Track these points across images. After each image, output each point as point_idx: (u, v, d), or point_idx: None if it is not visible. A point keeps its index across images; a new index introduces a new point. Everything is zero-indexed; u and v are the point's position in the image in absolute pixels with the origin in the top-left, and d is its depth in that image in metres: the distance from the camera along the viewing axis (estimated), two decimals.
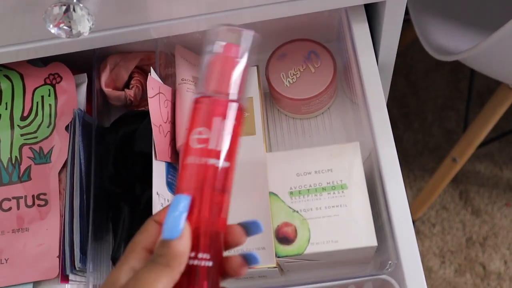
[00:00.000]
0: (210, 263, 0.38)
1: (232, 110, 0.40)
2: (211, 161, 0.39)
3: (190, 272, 0.37)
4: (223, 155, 0.39)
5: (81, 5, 0.47)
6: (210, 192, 0.39)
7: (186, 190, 0.38)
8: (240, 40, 0.41)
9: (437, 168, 1.21)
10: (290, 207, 0.52)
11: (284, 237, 0.51)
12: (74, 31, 0.48)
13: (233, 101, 0.40)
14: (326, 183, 0.53)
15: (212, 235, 0.39)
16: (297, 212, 0.52)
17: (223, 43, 0.40)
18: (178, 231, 0.36)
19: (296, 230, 0.51)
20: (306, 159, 0.54)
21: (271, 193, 0.53)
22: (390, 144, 0.53)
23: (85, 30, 0.48)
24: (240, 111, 0.40)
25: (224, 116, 0.39)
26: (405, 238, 0.50)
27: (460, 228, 1.28)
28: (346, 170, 0.53)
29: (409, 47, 1.35)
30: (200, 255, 0.38)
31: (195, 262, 0.37)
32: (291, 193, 0.53)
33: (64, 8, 0.46)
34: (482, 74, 0.85)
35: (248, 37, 0.41)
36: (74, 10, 0.46)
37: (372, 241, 0.50)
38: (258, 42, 0.42)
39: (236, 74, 0.40)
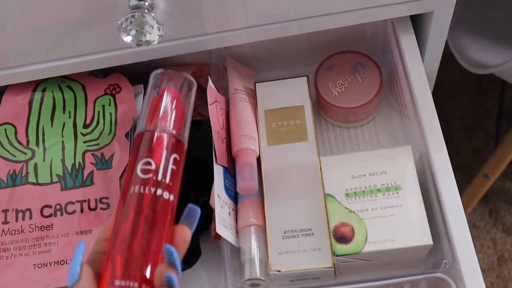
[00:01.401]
0: None
1: (176, 145, 0.42)
2: (159, 191, 0.40)
3: None
4: (170, 188, 0.41)
5: (152, 14, 0.50)
6: (155, 220, 0.40)
7: (124, 219, 0.39)
8: (181, 85, 0.46)
9: (467, 187, 1.22)
10: (346, 208, 0.54)
11: (341, 236, 0.53)
12: (144, 40, 0.51)
13: (177, 137, 0.43)
14: (380, 185, 0.55)
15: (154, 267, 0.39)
16: (354, 212, 0.54)
17: (168, 87, 0.45)
18: (76, 276, 0.37)
19: (353, 230, 0.53)
20: (360, 162, 0.56)
21: (328, 195, 0.55)
22: (442, 148, 0.55)
23: (155, 38, 0.51)
24: (183, 149, 0.43)
25: (170, 150, 0.42)
26: (461, 237, 0.52)
27: (491, 246, 1.28)
28: (400, 172, 0.55)
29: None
30: (143, 286, 0.38)
31: None
32: (347, 194, 0.55)
33: (136, 17, 0.49)
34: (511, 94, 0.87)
35: (189, 83, 0.46)
36: (146, 19, 0.50)
37: (428, 240, 0.52)
38: (195, 88, 0.46)
39: (180, 114, 0.44)
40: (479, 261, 0.50)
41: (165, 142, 0.42)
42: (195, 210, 0.41)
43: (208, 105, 0.58)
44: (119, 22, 0.49)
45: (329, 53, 0.67)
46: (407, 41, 0.61)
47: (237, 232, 0.59)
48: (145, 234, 0.39)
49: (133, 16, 0.49)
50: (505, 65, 0.77)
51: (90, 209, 0.59)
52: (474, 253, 0.51)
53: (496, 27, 0.85)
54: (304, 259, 0.56)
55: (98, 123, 0.63)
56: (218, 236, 0.56)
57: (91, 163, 0.61)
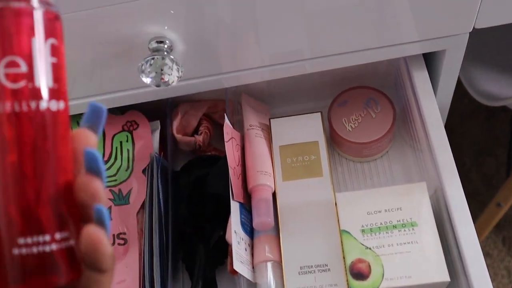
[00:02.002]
0: (71, 242, 0.29)
1: (49, 23, 0.28)
2: (43, 104, 0.28)
3: (45, 262, 0.28)
4: (57, 92, 0.28)
5: (171, 56, 0.51)
6: (49, 147, 0.28)
7: (15, 151, 0.27)
8: None
9: (479, 214, 1.21)
10: (362, 244, 0.55)
11: (358, 273, 0.53)
12: (163, 81, 0.52)
13: (48, 9, 0.28)
14: (396, 221, 0.55)
15: (67, 205, 0.29)
16: (370, 248, 0.54)
17: None
18: None
19: (370, 266, 0.53)
20: (376, 199, 0.57)
21: (344, 231, 0.56)
22: (457, 183, 0.56)
23: (174, 79, 0.52)
24: (60, 25, 0.29)
25: (43, 33, 0.28)
26: (478, 273, 0.52)
27: (505, 275, 1.27)
28: (415, 208, 0.56)
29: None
30: (57, 236, 0.28)
31: (53, 246, 0.28)
32: (363, 230, 0.55)
33: (156, 59, 0.51)
34: None
35: None
36: (165, 61, 0.51)
37: (445, 276, 0.52)
38: None
39: None
40: None
41: (33, 22, 0.28)
42: (100, 108, 0.30)
43: (225, 142, 0.59)
44: (139, 64, 0.51)
45: (342, 89, 0.68)
46: (420, 78, 0.62)
47: (253, 268, 0.59)
48: (40, 169, 0.28)
49: (152, 59, 0.51)
50: None
51: None
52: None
53: (508, 59, 0.86)
54: None
55: (116, 159, 0.64)
56: (235, 272, 0.57)
57: (109, 198, 0.62)
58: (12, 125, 0.27)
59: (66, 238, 0.29)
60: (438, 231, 0.55)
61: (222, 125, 0.61)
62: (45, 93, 0.28)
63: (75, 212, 0.29)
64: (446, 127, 0.60)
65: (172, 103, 0.69)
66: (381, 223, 0.55)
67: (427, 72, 0.62)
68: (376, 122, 0.65)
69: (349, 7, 0.53)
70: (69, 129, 0.30)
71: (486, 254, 1.30)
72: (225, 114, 0.62)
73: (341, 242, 0.56)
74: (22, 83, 0.27)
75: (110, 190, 0.63)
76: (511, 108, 0.87)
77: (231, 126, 0.63)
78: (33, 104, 0.27)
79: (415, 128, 0.64)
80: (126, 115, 0.67)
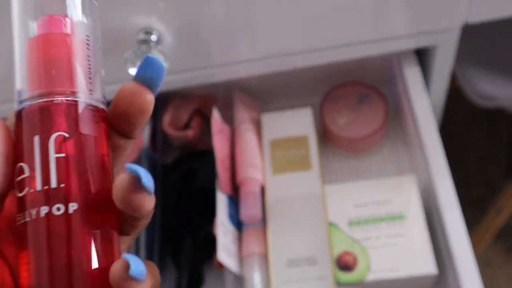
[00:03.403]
0: None
1: (61, 112, 0.25)
2: (43, 211, 0.23)
3: None
4: (60, 194, 0.24)
5: (159, 47, 0.51)
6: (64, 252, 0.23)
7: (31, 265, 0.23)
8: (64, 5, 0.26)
9: (481, 220, 1.20)
10: (350, 237, 0.54)
11: (345, 265, 0.53)
12: None
13: (71, 101, 0.25)
14: (384, 214, 0.55)
15: None
16: (357, 241, 0.54)
17: (42, 18, 0.26)
18: None
19: (356, 258, 0.53)
20: (364, 191, 0.56)
21: (331, 223, 0.55)
22: (446, 177, 0.55)
23: None
24: (94, 114, 0.26)
25: (42, 128, 0.24)
26: (466, 268, 0.51)
27: (509, 283, 1.26)
28: (404, 202, 0.55)
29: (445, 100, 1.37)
30: None
31: None
32: (350, 223, 0.55)
33: (143, 50, 0.51)
34: None
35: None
36: (151, 50, 0.51)
37: (432, 269, 0.52)
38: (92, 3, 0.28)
39: (71, 57, 0.26)
40: None
41: (31, 120, 0.25)
42: (159, 63, 0.25)
43: (212, 134, 0.59)
44: (126, 54, 0.51)
45: (335, 84, 0.68)
46: (412, 74, 0.62)
47: (241, 261, 0.59)
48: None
49: (138, 49, 0.51)
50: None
51: None
52: (480, 282, 0.50)
53: (504, 60, 0.86)
54: None
55: None
56: (222, 265, 0.56)
57: None
58: (21, 237, 0.24)
59: None
60: (428, 225, 0.54)
61: None
62: (49, 197, 0.24)
63: None
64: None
65: (164, 98, 0.69)
66: (369, 216, 0.55)
67: (418, 68, 0.62)
68: (368, 118, 0.65)
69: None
70: (87, 227, 0.24)
71: (489, 262, 1.28)
72: (215, 107, 0.62)
73: (329, 234, 0.56)
74: (25, 190, 0.24)
75: None
76: (508, 109, 0.86)
77: (219, 118, 0.63)
78: (33, 213, 0.24)
79: (407, 124, 0.63)
80: None
